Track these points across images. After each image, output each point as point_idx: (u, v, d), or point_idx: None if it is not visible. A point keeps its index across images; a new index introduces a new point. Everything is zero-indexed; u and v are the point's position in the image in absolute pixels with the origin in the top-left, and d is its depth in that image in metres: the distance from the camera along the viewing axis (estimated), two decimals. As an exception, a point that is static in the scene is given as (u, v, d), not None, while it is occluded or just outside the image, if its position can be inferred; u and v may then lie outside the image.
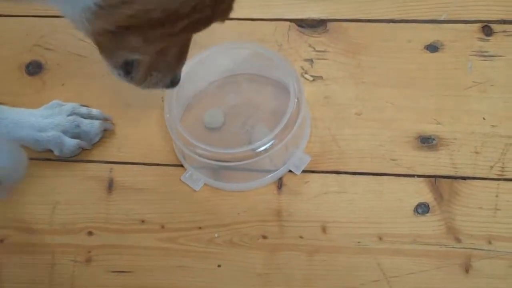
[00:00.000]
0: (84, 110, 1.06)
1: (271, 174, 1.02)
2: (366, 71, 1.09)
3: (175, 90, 0.96)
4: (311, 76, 1.09)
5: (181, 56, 0.84)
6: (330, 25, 1.13)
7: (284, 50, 1.11)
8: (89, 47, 1.11)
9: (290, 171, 1.02)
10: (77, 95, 1.10)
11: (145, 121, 1.08)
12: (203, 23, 0.74)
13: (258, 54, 1.05)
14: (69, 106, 1.06)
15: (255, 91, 1.08)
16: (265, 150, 0.97)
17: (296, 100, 0.99)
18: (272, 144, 0.97)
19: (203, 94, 1.09)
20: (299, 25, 1.13)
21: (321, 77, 1.09)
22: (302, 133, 1.03)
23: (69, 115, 1.05)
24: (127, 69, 0.83)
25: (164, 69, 0.84)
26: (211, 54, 1.05)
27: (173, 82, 0.88)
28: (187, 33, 0.78)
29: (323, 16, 1.14)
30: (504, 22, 1.10)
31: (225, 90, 1.09)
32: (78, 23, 0.72)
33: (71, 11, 0.72)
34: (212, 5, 0.71)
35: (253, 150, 0.97)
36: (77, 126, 1.05)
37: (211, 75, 1.09)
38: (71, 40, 1.14)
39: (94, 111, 1.07)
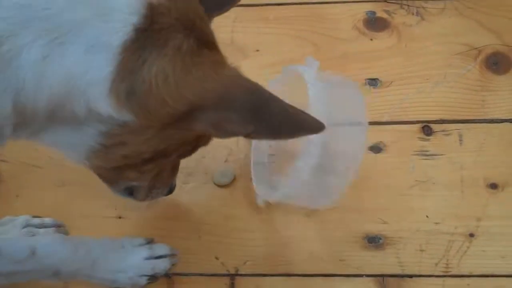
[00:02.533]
0: (36, 220, 1.08)
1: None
2: (313, 173, 1.13)
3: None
4: (260, 180, 1.12)
5: (174, 171, 0.94)
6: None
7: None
8: (44, 158, 1.16)
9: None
10: (32, 206, 1.12)
11: (101, 232, 1.09)
12: (189, 152, 0.84)
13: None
14: (21, 219, 1.07)
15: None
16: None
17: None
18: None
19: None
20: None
21: (270, 181, 1.12)
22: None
23: (23, 227, 1.07)
24: (129, 192, 0.92)
25: (162, 185, 0.93)
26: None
27: (171, 191, 0.98)
28: (177, 159, 0.88)
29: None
30: (443, 121, 1.15)
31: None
32: (77, 160, 0.79)
33: (72, 153, 0.79)
34: (195, 141, 0.81)
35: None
36: (33, 235, 1.06)
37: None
38: (25, 151, 1.17)
39: (47, 220, 1.09)
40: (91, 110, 0.70)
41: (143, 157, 0.77)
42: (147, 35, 0.67)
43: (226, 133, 0.74)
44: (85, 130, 0.73)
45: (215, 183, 1.11)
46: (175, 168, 0.94)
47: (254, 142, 1.11)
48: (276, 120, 0.71)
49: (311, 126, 0.74)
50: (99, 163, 0.79)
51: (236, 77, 0.71)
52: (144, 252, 1.03)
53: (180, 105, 0.69)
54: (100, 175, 0.87)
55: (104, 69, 0.67)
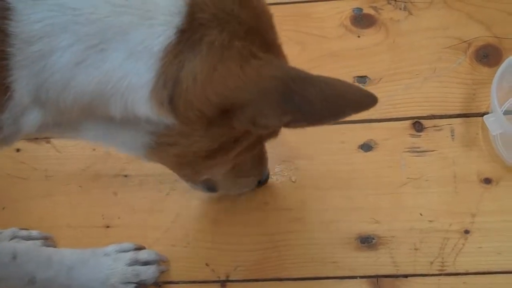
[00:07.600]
0: (24, 232, 1.06)
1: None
2: (303, 174, 1.10)
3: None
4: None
5: (258, 162, 0.91)
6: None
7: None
8: (29, 169, 1.14)
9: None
10: (19, 218, 1.10)
11: (89, 242, 1.07)
12: (256, 145, 0.80)
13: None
14: (8, 231, 1.06)
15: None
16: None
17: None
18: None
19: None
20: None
21: (259, 184, 1.10)
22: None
23: (11, 239, 1.05)
24: (208, 186, 0.92)
25: (247, 175, 0.91)
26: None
27: (260, 182, 0.97)
28: (246, 154, 0.81)
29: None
30: (433, 117, 1.13)
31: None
32: (137, 157, 0.79)
33: (128, 150, 0.78)
34: (248, 136, 0.75)
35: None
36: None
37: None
38: (11, 163, 1.15)
39: (34, 233, 1.07)
40: (129, 112, 0.67)
41: (198, 155, 0.74)
42: (188, 36, 0.64)
43: (265, 128, 0.69)
44: (133, 129, 0.72)
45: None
46: (258, 160, 0.90)
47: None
48: (314, 105, 0.64)
49: (359, 103, 0.68)
50: (156, 160, 0.78)
51: (261, 67, 0.65)
52: (127, 257, 1.00)
53: (206, 107, 0.65)
54: (173, 170, 0.85)
55: (144, 75, 0.65)
